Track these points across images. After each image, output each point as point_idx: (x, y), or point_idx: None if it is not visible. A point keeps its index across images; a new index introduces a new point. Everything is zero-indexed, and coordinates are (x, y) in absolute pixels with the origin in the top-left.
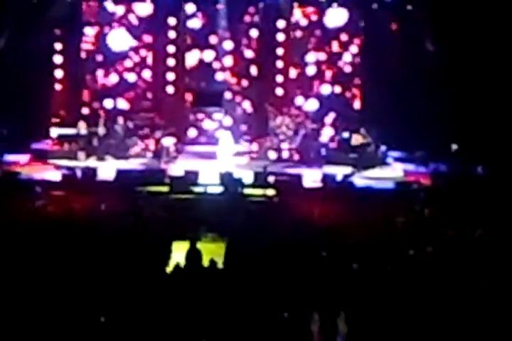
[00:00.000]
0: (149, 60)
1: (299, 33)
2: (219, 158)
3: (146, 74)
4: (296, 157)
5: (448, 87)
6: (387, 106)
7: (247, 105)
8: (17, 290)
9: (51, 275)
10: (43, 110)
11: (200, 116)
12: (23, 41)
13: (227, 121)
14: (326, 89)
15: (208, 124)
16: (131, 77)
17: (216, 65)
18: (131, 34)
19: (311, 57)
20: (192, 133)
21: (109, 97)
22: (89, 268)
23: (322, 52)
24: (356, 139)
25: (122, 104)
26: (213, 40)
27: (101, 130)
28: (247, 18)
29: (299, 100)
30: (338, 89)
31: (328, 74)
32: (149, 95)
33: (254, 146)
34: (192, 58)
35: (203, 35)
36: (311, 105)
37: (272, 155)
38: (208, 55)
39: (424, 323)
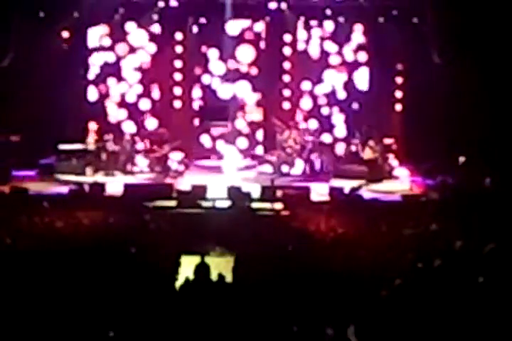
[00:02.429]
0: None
1: (304, 47)
2: (225, 172)
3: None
4: (304, 170)
5: (454, 98)
6: (395, 119)
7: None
8: (24, 306)
9: (59, 290)
10: (50, 125)
11: (207, 130)
12: (31, 55)
13: (234, 135)
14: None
15: (214, 139)
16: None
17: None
18: (138, 49)
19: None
20: (199, 147)
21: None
22: (97, 283)
23: (328, 66)
24: (365, 152)
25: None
26: (219, 54)
27: (110, 145)
28: (253, 33)
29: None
30: (345, 103)
31: (336, 87)
32: (157, 110)
33: (262, 160)
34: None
35: (209, 49)
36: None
37: (280, 168)
38: (215, 70)
39: (433, 335)
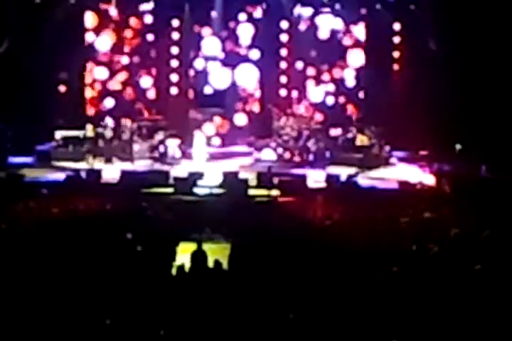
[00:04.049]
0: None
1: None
2: (194, 158)
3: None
4: (300, 157)
5: (451, 86)
6: (392, 106)
7: (250, 106)
8: (21, 293)
9: (55, 277)
10: (48, 112)
11: (203, 117)
12: (27, 42)
13: (230, 121)
14: (329, 90)
15: (209, 125)
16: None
17: (219, 65)
18: (135, 35)
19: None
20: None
21: (113, 98)
22: (94, 270)
23: (324, 54)
24: (361, 140)
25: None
26: (216, 40)
27: (108, 132)
28: (250, 19)
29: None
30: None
31: (331, 75)
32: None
33: (258, 147)
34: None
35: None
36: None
37: (276, 156)
38: (211, 55)
39: (427, 323)
